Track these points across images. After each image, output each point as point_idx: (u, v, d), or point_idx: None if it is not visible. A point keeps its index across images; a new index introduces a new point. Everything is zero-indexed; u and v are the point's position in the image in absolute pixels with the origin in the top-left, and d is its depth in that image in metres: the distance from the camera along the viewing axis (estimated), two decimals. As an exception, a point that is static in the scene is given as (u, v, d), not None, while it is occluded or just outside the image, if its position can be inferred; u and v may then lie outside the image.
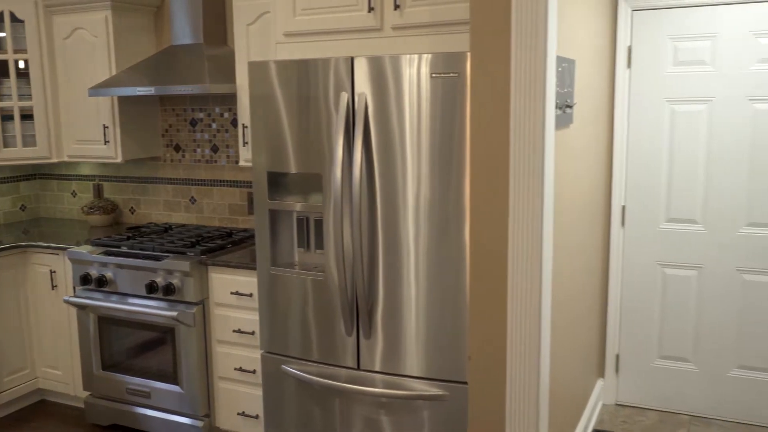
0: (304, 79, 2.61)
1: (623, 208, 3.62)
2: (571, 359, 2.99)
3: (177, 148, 4.04)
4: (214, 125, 3.92)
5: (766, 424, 3.48)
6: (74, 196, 4.42)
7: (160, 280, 3.26)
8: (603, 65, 3.35)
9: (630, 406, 3.77)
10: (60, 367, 3.77)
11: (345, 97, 2.53)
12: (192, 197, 4.04)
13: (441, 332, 2.51)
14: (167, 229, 3.84)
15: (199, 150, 3.98)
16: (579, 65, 2.78)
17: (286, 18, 2.84)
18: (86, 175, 4.36)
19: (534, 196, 2.07)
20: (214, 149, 3.93)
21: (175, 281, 3.23)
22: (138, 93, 3.39)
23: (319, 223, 2.75)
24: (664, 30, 3.40)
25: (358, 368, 2.67)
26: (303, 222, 2.79)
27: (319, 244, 2.77)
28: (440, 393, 2.54)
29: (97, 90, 3.51)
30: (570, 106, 2.60)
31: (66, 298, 3.46)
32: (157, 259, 3.25)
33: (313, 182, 2.69)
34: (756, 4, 3.21)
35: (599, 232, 3.51)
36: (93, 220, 4.13)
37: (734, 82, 3.30)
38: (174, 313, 3.18)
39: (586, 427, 3.40)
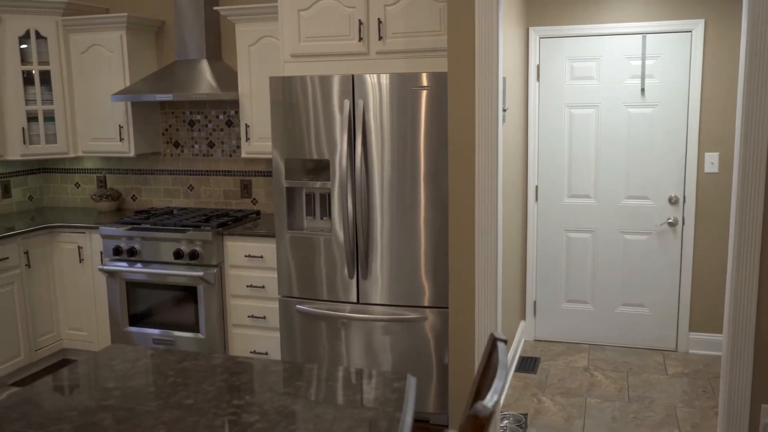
0: (315, 89, 3.54)
1: (536, 187, 4.75)
2: (506, 301, 4.06)
3: (176, 145, 4.83)
4: (210, 125, 4.75)
5: (642, 346, 4.70)
6: (77, 188, 5.10)
7: (184, 248, 4.08)
8: (520, 79, 4.46)
9: (545, 341, 4.91)
10: (84, 328, 4.47)
11: (347, 103, 3.48)
12: (190, 185, 4.84)
13: (413, 273, 3.50)
14: (171, 211, 4.63)
15: (197, 146, 4.79)
16: (508, 81, 3.86)
17: (292, 43, 3.75)
18: (89, 169, 5.06)
19: (492, 171, 3.11)
20: (210, 145, 4.76)
21: (198, 248, 4.05)
22: (158, 99, 4.18)
23: (323, 197, 3.68)
24: (564, 53, 4.55)
25: (358, 302, 3.62)
26: (310, 197, 3.70)
27: (324, 213, 3.70)
28: (418, 316, 3.53)
29: (119, 96, 4.27)
30: (504, 110, 3.66)
31: (100, 266, 4.20)
32: (182, 231, 4.07)
33: (320, 166, 3.61)
34: (628, 35, 4.41)
35: (520, 205, 4.62)
36: (101, 206, 4.85)
37: (614, 92, 4.49)
38: (200, 273, 4.01)
39: (514, 356, 4.48)
